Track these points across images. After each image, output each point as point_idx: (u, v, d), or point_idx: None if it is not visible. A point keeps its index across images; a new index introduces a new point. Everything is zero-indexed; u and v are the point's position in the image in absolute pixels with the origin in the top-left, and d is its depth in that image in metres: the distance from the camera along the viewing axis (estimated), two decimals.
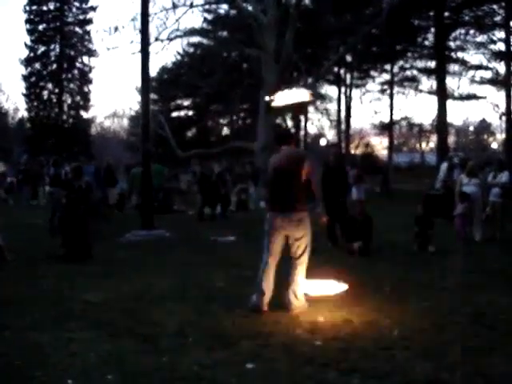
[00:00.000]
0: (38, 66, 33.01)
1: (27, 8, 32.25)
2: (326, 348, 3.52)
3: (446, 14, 24.85)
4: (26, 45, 32.58)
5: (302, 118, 31.66)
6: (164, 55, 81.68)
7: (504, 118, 24.58)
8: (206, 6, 22.37)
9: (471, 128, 49.05)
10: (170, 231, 9.04)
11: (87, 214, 7.13)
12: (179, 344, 3.61)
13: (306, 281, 4.48)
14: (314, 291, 4.53)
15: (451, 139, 39.27)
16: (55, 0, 32.31)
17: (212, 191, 11.67)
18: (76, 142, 30.86)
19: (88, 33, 32.68)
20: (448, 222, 8.70)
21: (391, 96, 29.04)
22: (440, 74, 24.78)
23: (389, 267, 6.22)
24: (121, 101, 79.69)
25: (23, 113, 36.10)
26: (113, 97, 68.58)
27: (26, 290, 5.10)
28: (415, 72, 29.17)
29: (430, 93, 28.44)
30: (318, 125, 34.49)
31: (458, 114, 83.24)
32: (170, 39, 17.22)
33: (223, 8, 24.64)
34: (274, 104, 4.51)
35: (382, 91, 30.32)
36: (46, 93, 33.33)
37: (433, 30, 25.75)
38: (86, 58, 33.39)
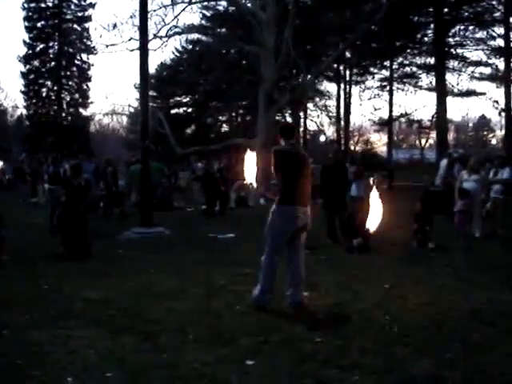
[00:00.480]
0: (36, 63, 32.97)
1: (26, 5, 32.21)
2: (326, 345, 3.52)
3: (446, 10, 24.81)
4: (24, 42, 32.53)
5: (302, 114, 31.64)
6: (163, 52, 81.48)
7: (503, 114, 24.55)
8: (205, 3, 22.34)
9: (471, 124, 49.06)
10: (170, 228, 9.03)
11: (86, 211, 7.12)
12: (179, 341, 3.61)
13: None
14: None
15: (451, 135, 39.30)
16: None
17: (214, 188, 11.67)
18: (75, 140, 30.83)
19: (87, 30, 32.61)
20: (448, 218, 8.69)
21: (390, 92, 29.03)
22: (439, 70, 24.75)
23: (388, 264, 6.22)
24: (120, 98, 79.68)
25: (22, 110, 36.09)
26: (112, 94, 68.61)
27: (26, 289, 5.09)
28: (414, 68, 29.18)
29: (429, 89, 28.44)
30: (318, 121, 34.47)
31: (458, 110, 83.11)
32: (168, 36, 17.18)
33: (222, 5, 24.61)
34: None
35: (382, 87, 30.31)
36: (44, 90, 33.31)
37: (432, 26, 25.71)
38: (84, 56, 33.37)
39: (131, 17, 16.20)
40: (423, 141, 42.40)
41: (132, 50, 16.00)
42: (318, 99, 32.15)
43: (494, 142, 44.76)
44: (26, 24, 32.39)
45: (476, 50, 26.16)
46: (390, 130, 30.35)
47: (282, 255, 4.41)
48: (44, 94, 33.24)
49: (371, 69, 30.19)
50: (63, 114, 33.32)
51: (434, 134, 31.95)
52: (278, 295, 4.42)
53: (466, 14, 25.15)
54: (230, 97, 26.25)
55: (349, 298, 4.66)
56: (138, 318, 4.15)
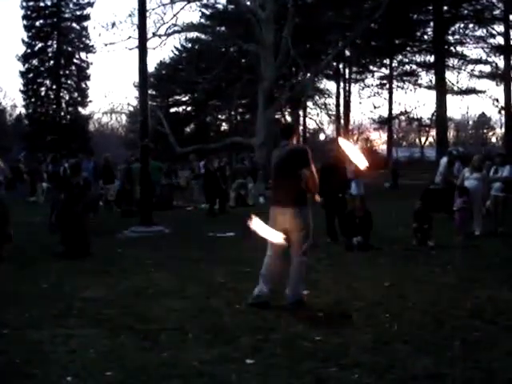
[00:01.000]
0: (35, 62, 32.87)
1: (24, 4, 32.08)
2: (326, 343, 3.52)
3: (445, 7, 24.80)
4: (23, 41, 32.44)
5: (301, 112, 31.62)
6: (162, 51, 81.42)
7: (503, 112, 24.56)
8: (204, 1, 22.30)
9: (471, 122, 49.04)
10: (169, 227, 9.03)
11: (86, 211, 7.11)
12: (179, 340, 3.61)
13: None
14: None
15: (451, 134, 39.30)
16: None
17: (215, 187, 11.67)
18: (74, 139, 30.78)
19: (85, 28, 32.52)
20: (448, 216, 8.69)
21: (390, 90, 29.03)
22: (439, 68, 24.75)
23: (388, 262, 6.22)
24: (119, 97, 79.50)
25: (21, 109, 36.04)
26: (111, 93, 68.52)
27: (25, 288, 5.09)
28: (414, 66, 29.18)
29: (429, 87, 28.42)
30: (317, 120, 34.43)
31: (458, 108, 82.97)
32: (167, 34, 17.18)
33: (221, 3, 24.58)
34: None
35: (381, 86, 30.30)
36: (43, 89, 33.21)
37: (432, 24, 25.69)
38: (83, 54, 33.29)
39: (130, 15, 16.23)
40: (423, 139, 42.41)
41: (131, 49, 16.03)
42: (317, 97, 32.11)
43: (493, 140, 44.76)
44: (25, 23, 32.29)
45: (476, 47, 26.21)
46: (389, 128, 30.38)
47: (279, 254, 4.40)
48: (43, 93, 33.16)
49: (371, 67, 30.20)
50: (62, 113, 33.26)
51: (433, 132, 32.00)
52: (278, 294, 4.42)
53: (466, 11, 25.14)
54: (229, 95, 26.20)
55: (348, 296, 4.66)
56: (138, 316, 4.15)
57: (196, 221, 10.70)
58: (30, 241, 7.80)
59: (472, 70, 26.60)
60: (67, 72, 33.55)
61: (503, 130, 29.14)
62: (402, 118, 32.85)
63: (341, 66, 29.81)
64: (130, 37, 16.38)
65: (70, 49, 33.08)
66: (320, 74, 27.05)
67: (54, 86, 32.99)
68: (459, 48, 26.61)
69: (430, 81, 27.96)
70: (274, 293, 4.42)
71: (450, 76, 26.43)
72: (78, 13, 32.97)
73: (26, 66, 32.70)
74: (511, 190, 8.27)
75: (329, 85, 32.35)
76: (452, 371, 3.03)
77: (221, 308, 4.35)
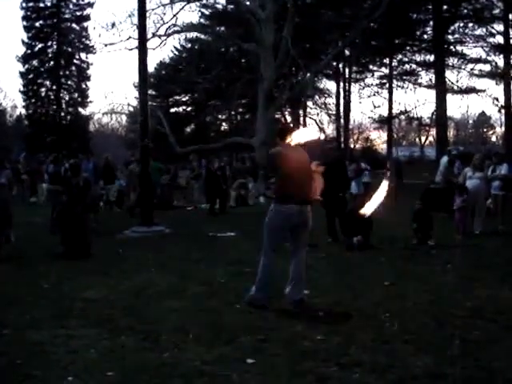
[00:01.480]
0: (35, 62, 32.89)
1: (24, 5, 32.11)
2: (327, 342, 3.52)
3: (445, 7, 24.78)
4: (23, 42, 32.46)
5: (301, 112, 31.60)
6: (162, 51, 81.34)
7: (503, 111, 24.54)
8: (204, 1, 22.29)
9: (471, 121, 49.02)
10: (170, 227, 9.03)
11: (86, 211, 7.12)
12: (180, 340, 3.61)
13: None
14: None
15: (451, 133, 39.29)
16: None
17: (216, 186, 11.68)
18: (74, 139, 30.79)
19: (85, 29, 32.55)
20: (448, 215, 8.69)
21: (390, 90, 28.97)
22: (439, 67, 24.73)
23: (388, 261, 6.22)
24: (119, 97, 79.39)
25: (21, 110, 36.05)
26: (111, 93, 68.52)
27: (26, 288, 5.09)
28: (414, 66, 29.12)
29: (428, 86, 28.38)
30: (317, 119, 34.41)
31: (458, 107, 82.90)
32: (167, 35, 17.18)
33: (221, 3, 24.57)
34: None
35: (381, 85, 30.26)
36: (43, 90, 33.23)
37: (431, 23, 25.67)
38: (83, 55, 33.30)
39: (130, 16, 16.22)
40: (423, 138, 42.41)
41: (131, 49, 16.02)
42: (317, 97, 32.09)
43: (493, 139, 44.74)
44: (25, 23, 32.30)
45: (475, 47, 26.16)
46: (389, 128, 30.30)
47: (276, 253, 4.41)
48: (43, 94, 33.17)
49: (370, 66, 30.15)
50: (62, 114, 33.26)
51: (433, 132, 31.93)
52: (278, 293, 4.42)
53: (466, 11, 25.12)
54: (229, 95, 26.19)
55: (349, 296, 4.66)
56: (139, 317, 4.15)
57: (196, 221, 10.71)
58: (30, 241, 7.81)
59: (472, 69, 26.58)
60: (67, 72, 33.56)
61: (503, 128, 29.12)
62: (402, 117, 32.76)
63: (341, 65, 29.78)
64: (129, 37, 16.38)
65: (70, 49, 33.09)
66: (320, 74, 27.04)
67: (54, 87, 33.01)
68: (459, 47, 26.60)
69: (430, 80, 27.94)
70: (274, 292, 4.42)
71: (449, 75, 26.43)
72: (78, 13, 33.00)
73: (26, 66, 32.71)
74: (509, 188, 8.29)
75: (329, 84, 32.37)
76: (452, 370, 3.03)
77: (221, 308, 4.35)
